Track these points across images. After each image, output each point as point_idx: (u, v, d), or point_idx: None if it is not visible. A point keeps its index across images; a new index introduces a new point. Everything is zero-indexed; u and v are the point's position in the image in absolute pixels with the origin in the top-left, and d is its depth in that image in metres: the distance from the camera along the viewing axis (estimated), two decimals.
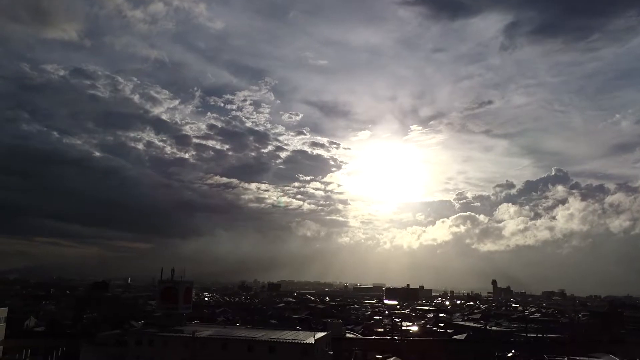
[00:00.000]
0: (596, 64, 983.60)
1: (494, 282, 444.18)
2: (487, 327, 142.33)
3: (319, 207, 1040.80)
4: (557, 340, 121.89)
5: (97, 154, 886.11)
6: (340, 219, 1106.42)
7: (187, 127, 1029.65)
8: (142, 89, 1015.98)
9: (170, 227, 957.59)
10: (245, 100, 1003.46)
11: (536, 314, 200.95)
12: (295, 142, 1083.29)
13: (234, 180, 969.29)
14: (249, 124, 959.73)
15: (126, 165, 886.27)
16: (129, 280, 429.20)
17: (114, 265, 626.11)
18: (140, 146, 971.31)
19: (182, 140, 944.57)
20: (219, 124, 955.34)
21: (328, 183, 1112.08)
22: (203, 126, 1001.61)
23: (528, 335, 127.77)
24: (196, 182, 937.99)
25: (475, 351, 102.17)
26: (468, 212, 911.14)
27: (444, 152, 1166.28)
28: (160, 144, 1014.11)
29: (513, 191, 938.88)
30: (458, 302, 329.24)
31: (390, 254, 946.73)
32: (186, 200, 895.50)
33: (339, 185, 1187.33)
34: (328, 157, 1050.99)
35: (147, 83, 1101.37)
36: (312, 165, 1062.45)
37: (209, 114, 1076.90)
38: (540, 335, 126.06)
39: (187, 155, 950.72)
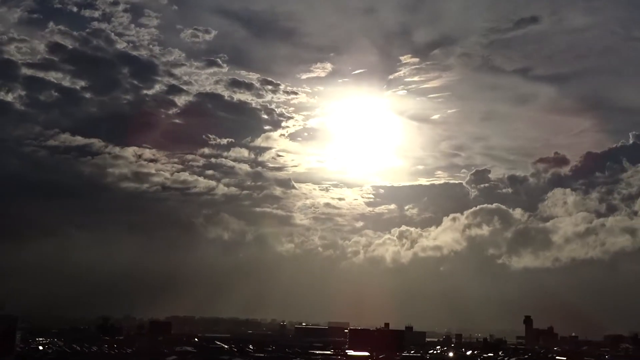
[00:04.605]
0: None
1: (527, 320, 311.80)
2: None
3: (244, 192, 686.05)
4: None
5: None
6: (280, 212, 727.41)
7: (11, 47, 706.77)
8: None
9: None
10: (116, 3, 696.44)
11: None
12: (202, 80, 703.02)
13: (96, 142, 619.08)
14: (122, 45, 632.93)
15: None
16: None
17: None
18: None
19: (1, 70, 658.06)
20: (70, 44, 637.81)
21: (260, 151, 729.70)
22: (41, 46, 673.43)
23: None
24: (28, 144, 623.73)
25: None
26: (495, 204, 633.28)
27: (453, 103, 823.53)
28: None
29: (565, 170, 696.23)
30: (468, 352, 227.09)
31: (362, 271, 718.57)
32: (9, 174, 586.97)
33: (278, 156, 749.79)
34: (259, 107, 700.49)
35: None
36: (232, 119, 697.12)
37: (51, 24, 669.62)
38: None
39: (10, 97, 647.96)
